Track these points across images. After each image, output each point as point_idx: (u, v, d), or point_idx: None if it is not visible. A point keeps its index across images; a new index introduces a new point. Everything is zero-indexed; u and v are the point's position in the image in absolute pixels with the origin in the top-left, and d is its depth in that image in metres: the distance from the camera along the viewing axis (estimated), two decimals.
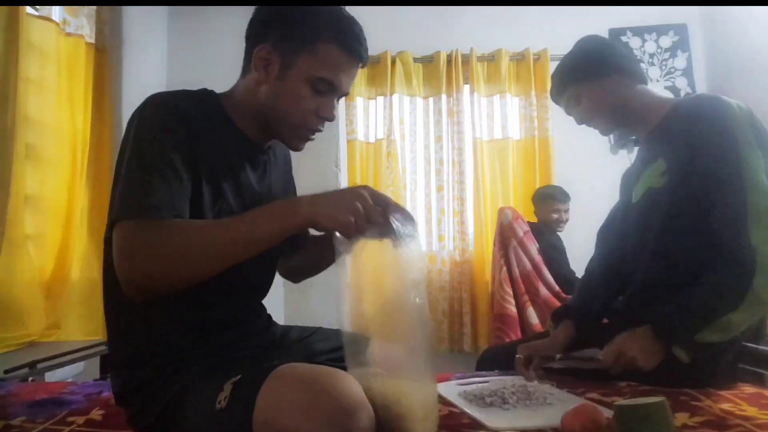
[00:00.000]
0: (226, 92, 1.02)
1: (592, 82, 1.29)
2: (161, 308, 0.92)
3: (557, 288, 2.65)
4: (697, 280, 1.09)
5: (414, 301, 0.82)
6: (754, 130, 1.09)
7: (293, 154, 1.20)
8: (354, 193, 0.82)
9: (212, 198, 0.93)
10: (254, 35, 0.97)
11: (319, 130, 1.01)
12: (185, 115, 0.89)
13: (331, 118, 0.98)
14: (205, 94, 1.00)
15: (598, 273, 1.41)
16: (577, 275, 2.63)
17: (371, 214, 0.81)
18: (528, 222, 2.84)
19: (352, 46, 0.94)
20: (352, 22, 0.96)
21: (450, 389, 1.17)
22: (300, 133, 0.99)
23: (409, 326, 0.83)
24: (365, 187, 0.84)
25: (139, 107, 0.91)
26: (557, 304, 2.48)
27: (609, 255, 1.41)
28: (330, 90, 0.96)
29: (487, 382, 1.20)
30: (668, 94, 3.20)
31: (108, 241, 0.89)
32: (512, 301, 2.69)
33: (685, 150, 1.13)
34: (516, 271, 2.71)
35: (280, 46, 0.93)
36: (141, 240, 0.80)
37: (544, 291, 2.65)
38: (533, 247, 2.72)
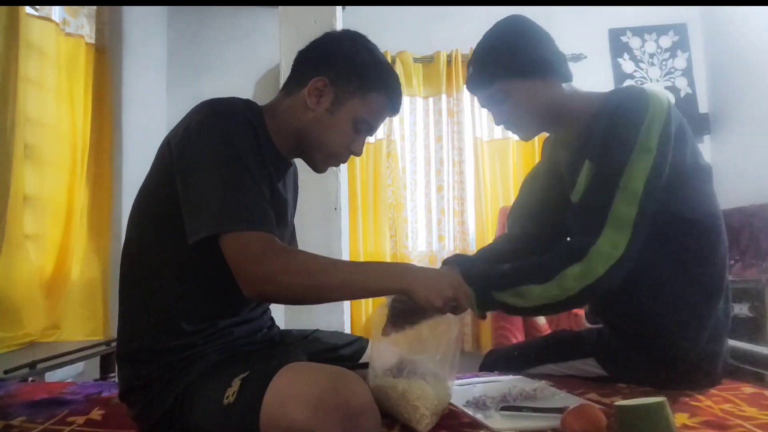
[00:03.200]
0: (266, 105, 1.08)
1: (528, 79, 1.16)
2: (174, 305, 0.95)
3: None
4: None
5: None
6: (665, 129, 1.05)
7: None
8: (450, 282, 0.95)
9: None
10: (313, 65, 1.04)
11: (344, 162, 1.11)
12: (251, 122, 0.96)
13: (359, 154, 1.09)
14: (253, 105, 1.05)
15: (508, 245, 1.40)
16: None
17: (460, 304, 0.96)
18: None
19: (396, 102, 1.09)
20: (397, 80, 1.09)
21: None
22: (329, 161, 1.09)
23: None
24: (458, 279, 0.98)
25: (203, 113, 0.93)
26: None
27: (525, 233, 1.39)
28: (367, 130, 1.07)
29: (487, 382, 1.20)
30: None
31: (135, 239, 0.99)
32: None
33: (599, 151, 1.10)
34: None
35: (337, 84, 1.02)
36: (279, 255, 0.87)
37: None
38: None
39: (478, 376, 1.31)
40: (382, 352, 1.03)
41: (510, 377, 1.25)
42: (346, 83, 1.02)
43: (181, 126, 0.94)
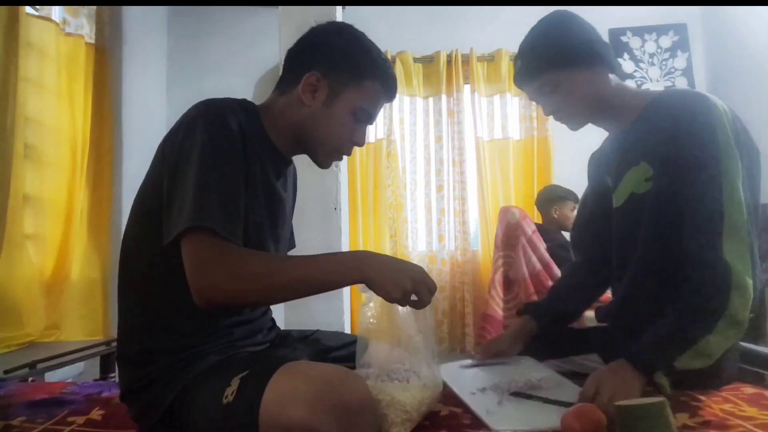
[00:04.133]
0: (263, 104, 1.07)
1: (575, 69, 1.17)
2: (172, 306, 0.95)
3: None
4: (679, 298, 1.05)
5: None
6: (734, 134, 1.04)
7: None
8: (411, 275, 0.89)
9: (251, 203, 0.97)
10: (304, 60, 1.04)
11: (349, 154, 1.10)
12: (240, 123, 0.94)
13: (362, 144, 1.08)
14: (248, 105, 1.04)
15: (573, 276, 1.41)
16: None
17: (422, 298, 0.90)
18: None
19: (391, 86, 1.07)
20: (389, 65, 1.07)
21: (454, 373, 1.17)
22: (333, 155, 1.07)
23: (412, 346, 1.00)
24: (421, 272, 0.91)
25: (193, 113, 0.93)
26: None
27: (587, 259, 1.39)
28: (366, 119, 1.06)
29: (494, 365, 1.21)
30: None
31: (132, 239, 0.98)
32: (500, 303, 2.70)
33: (670, 156, 1.07)
34: (525, 271, 2.67)
35: (330, 76, 1.01)
36: (222, 261, 0.85)
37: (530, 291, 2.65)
38: (542, 246, 2.69)
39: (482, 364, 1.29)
40: (364, 351, 1.02)
41: (517, 360, 1.25)
42: (339, 75, 1.01)
43: (175, 127, 0.95)
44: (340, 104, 1.01)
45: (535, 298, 2.63)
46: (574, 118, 1.24)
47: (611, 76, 1.21)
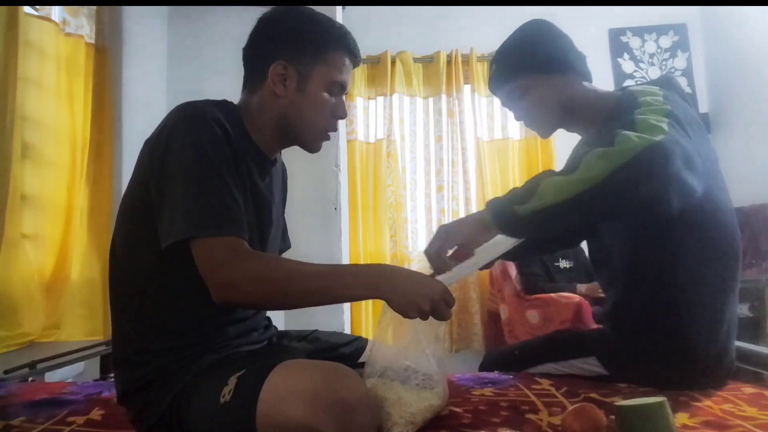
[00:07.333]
0: (239, 104, 1.06)
1: (544, 75, 1.20)
2: (166, 306, 0.95)
3: (519, 287, 2.73)
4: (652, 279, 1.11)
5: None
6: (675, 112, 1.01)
7: (294, 155, 1.22)
8: (430, 294, 0.87)
9: None
10: (264, 53, 1.03)
11: (336, 130, 1.09)
12: (222, 124, 0.94)
13: (345, 116, 1.08)
14: (228, 105, 1.04)
15: None
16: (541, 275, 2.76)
17: (440, 316, 0.89)
18: None
19: (355, 51, 1.06)
20: (346, 30, 1.06)
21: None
22: (321, 136, 1.07)
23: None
24: (440, 290, 0.89)
25: (173, 118, 0.92)
26: (516, 303, 2.70)
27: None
28: (341, 91, 1.06)
29: None
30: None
31: (121, 241, 0.97)
32: (494, 299, 2.99)
33: None
34: (493, 272, 2.94)
35: (295, 61, 1.01)
36: (239, 263, 0.85)
37: (507, 290, 2.79)
38: None
39: (478, 376, 1.31)
40: (376, 353, 1.02)
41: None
42: (302, 57, 1.00)
43: (157, 130, 0.94)
44: (313, 85, 1.01)
45: (498, 296, 2.93)
46: (542, 124, 1.27)
47: (585, 83, 1.23)
